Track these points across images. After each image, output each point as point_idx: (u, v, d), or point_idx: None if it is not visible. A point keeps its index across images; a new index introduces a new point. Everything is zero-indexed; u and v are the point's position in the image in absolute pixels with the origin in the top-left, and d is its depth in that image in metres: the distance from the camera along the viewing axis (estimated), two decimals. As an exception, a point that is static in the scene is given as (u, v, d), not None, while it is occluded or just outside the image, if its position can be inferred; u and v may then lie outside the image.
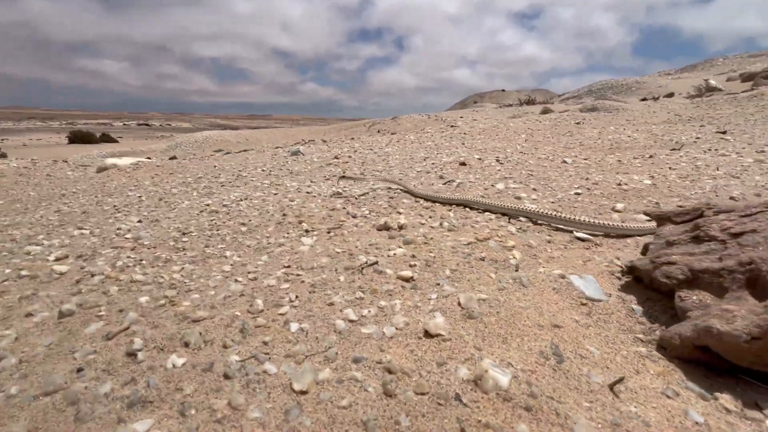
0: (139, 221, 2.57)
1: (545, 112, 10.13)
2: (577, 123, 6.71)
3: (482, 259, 1.52)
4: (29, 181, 5.04)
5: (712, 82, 10.12)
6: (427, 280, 1.39)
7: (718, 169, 2.70)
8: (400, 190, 2.70)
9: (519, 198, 2.38)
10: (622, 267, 1.47)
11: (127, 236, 2.25)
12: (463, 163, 3.44)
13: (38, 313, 1.40)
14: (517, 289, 1.30)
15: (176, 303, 1.40)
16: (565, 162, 3.33)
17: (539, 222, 1.95)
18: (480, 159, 3.68)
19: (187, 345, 1.13)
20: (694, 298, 1.13)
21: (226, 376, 0.98)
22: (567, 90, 24.49)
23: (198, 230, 2.23)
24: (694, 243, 1.31)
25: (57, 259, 1.95)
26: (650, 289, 1.29)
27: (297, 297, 1.34)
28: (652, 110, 7.97)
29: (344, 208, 2.40)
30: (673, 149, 3.66)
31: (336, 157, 4.62)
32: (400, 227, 1.94)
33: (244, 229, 2.20)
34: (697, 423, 0.84)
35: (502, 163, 3.43)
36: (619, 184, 2.52)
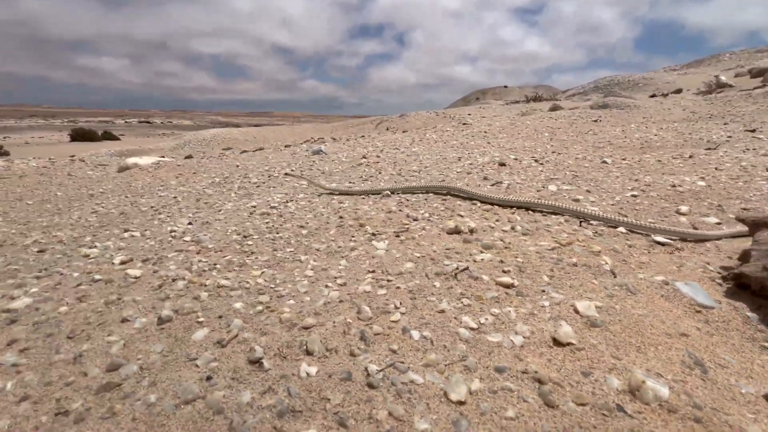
0: (190, 224, 2.55)
1: (554, 109, 10.07)
2: (595, 121, 6.71)
3: (575, 265, 1.51)
4: (52, 181, 4.99)
5: (723, 78, 10.12)
6: (528, 287, 1.38)
7: (767, 170, 2.71)
8: (465, 196, 2.51)
9: (576, 200, 2.38)
10: (720, 273, 1.46)
11: (185, 239, 2.22)
12: (502, 164, 3.44)
13: (135, 318, 1.38)
14: (627, 296, 1.30)
15: (274, 309, 1.38)
16: (605, 162, 3.33)
17: (610, 225, 1.94)
18: (517, 159, 3.67)
19: (310, 353, 1.12)
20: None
21: (371, 386, 0.97)
22: (570, 86, 24.42)
23: (257, 233, 2.21)
24: (799, 249, 1.31)
25: (122, 263, 1.93)
26: (760, 297, 1.29)
27: (401, 304, 1.33)
28: (665, 107, 7.97)
29: (401, 210, 2.39)
30: (709, 149, 3.66)
31: (364, 157, 4.59)
32: (471, 231, 1.94)
33: (304, 232, 2.18)
34: None
35: (541, 164, 3.42)
36: (673, 186, 2.52)
